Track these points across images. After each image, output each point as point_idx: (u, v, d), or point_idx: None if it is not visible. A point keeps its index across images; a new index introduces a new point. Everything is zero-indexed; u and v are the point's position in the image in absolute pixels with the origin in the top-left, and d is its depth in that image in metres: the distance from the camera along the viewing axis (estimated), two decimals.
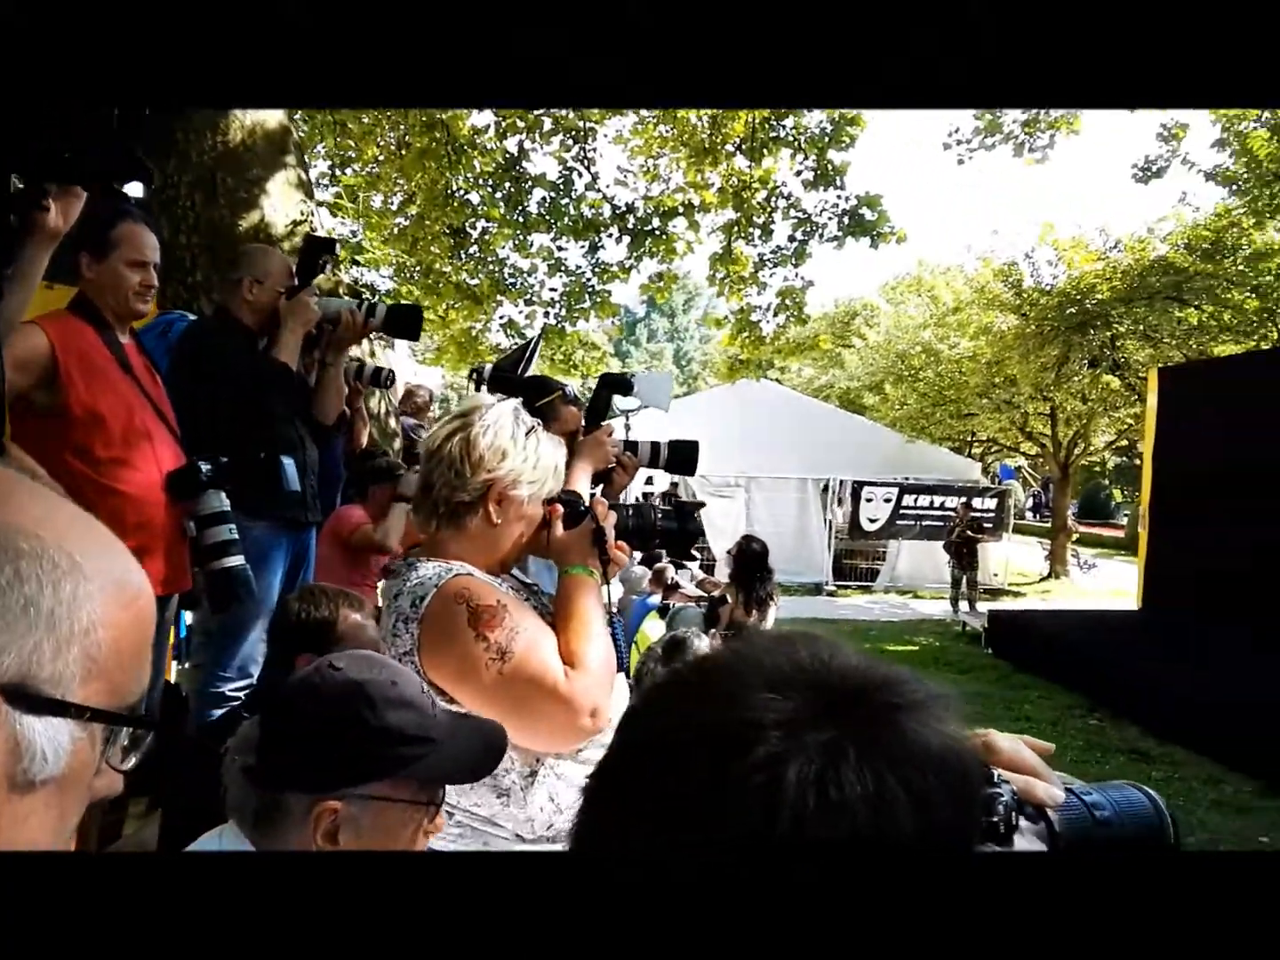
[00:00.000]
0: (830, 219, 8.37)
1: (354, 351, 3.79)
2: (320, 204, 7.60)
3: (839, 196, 8.23)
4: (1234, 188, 11.70)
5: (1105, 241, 15.12)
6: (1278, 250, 12.56)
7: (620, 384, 2.61)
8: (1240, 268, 13.00)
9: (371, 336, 4.28)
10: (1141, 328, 14.67)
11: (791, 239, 8.67)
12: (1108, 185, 73.21)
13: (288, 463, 2.96)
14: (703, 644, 3.69)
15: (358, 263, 9.56)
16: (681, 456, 2.60)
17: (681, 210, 8.78)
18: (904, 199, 33.47)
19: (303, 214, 4.91)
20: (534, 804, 1.61)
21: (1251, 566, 8.67)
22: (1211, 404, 9.82)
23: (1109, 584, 17.29)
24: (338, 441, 3.61)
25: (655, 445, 2.60)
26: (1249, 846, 4.95)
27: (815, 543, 15.56)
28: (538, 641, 1.57)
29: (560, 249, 9.32)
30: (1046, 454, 19.29)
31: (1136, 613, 11.00)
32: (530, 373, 2.94)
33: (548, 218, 8.96)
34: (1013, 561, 17.61)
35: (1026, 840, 0.63)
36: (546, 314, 9.67)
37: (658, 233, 8.84)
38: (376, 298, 7.17)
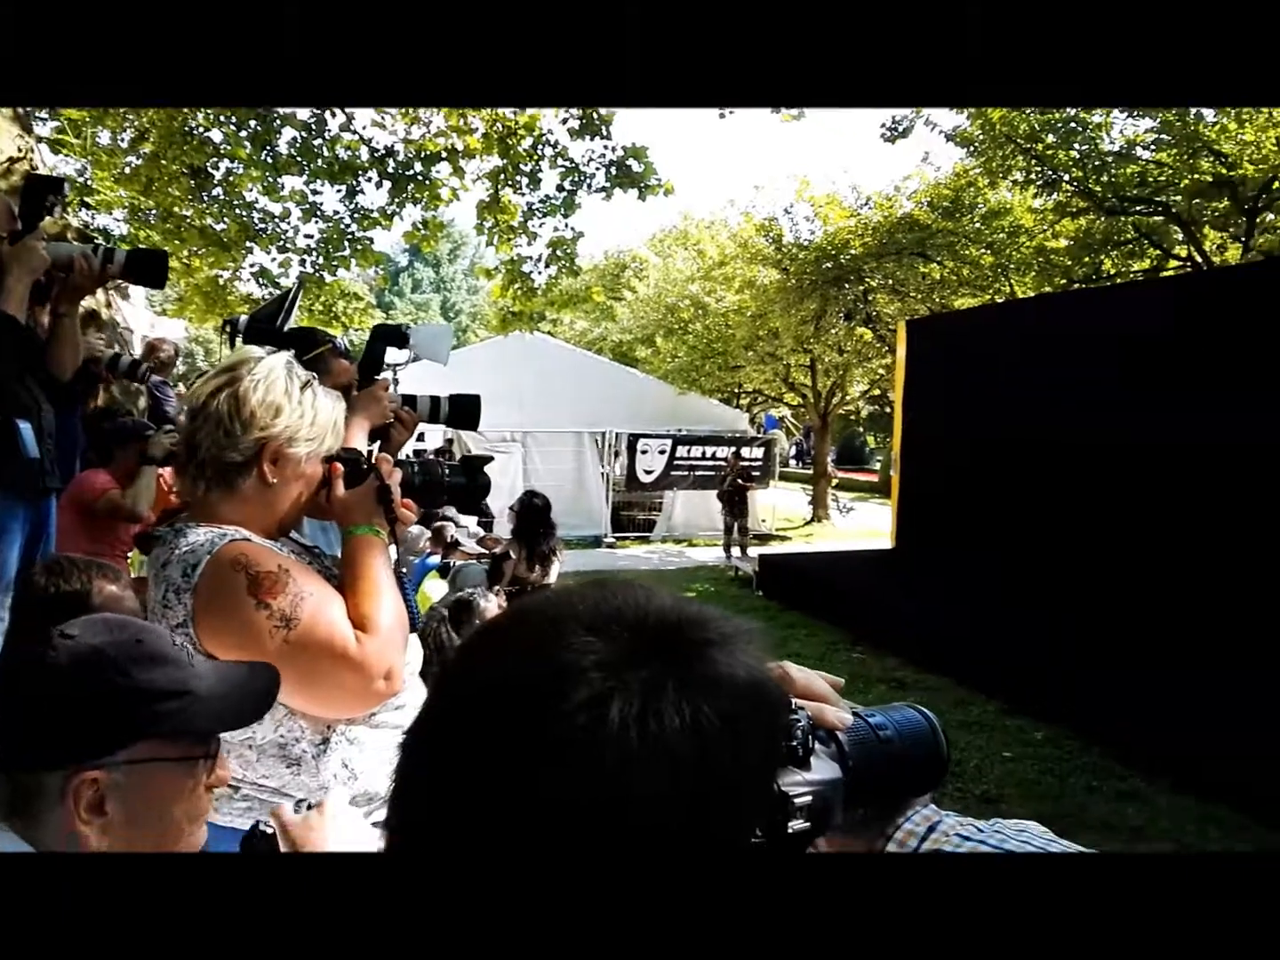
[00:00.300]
0: (598, 169, 8.40)
1: (88, 302, 3.46)
2: (40, 140, 6.82)
3: (606, 146, 8.28)
4: (970, 149, 12.64)
5: (857, 199, 16.07)
6: (1009, 209, 13.82)
7: (395, 336, 2.52)
8: (977, 225, 14.20)
9: (108, 285, 3.91)
10: (891, 282, 15.77)
11: (560, 188, 8.63)
12: (860, 143, 77.57)
13: (24, 427, 2.68)
14: (489, 603, 3.69)
15: (87, 205, 8.67)
16: (463, 411, 2.55)
17: (445, 155, 8.53)
18: (670, 151, 34.06)
19: (21, 150, 4.39)
20: (326, 772, 1.57)
21: (993, 503, 9.58)
22: (953, 353, 10.71)
23: (866, 525, 18.58)
24: (76, 401, 3.30)
25: (435, 400, 2.53)
26: (992, 761, 5.55)
27: (594, 496, 15.78)
28: (324, 606, 1.52)
29: (315, 193, 8.85)
30: (807, 404, 20.39)
31: (891, 551, 11.90)
32: (290, 325, 2.79)
33: (299, 159, 8.46)
34: (779, 508, 18.61)
35: (822, 761, 0.68)
36: (303, 262, 9.17)
37: (420, 178, 8.56)
38: (111, 243, 6.53)
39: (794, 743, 0.65)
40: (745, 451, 15.94)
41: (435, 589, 5.17)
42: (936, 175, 15.06)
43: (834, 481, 21.72)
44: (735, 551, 14.11)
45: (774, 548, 15.71)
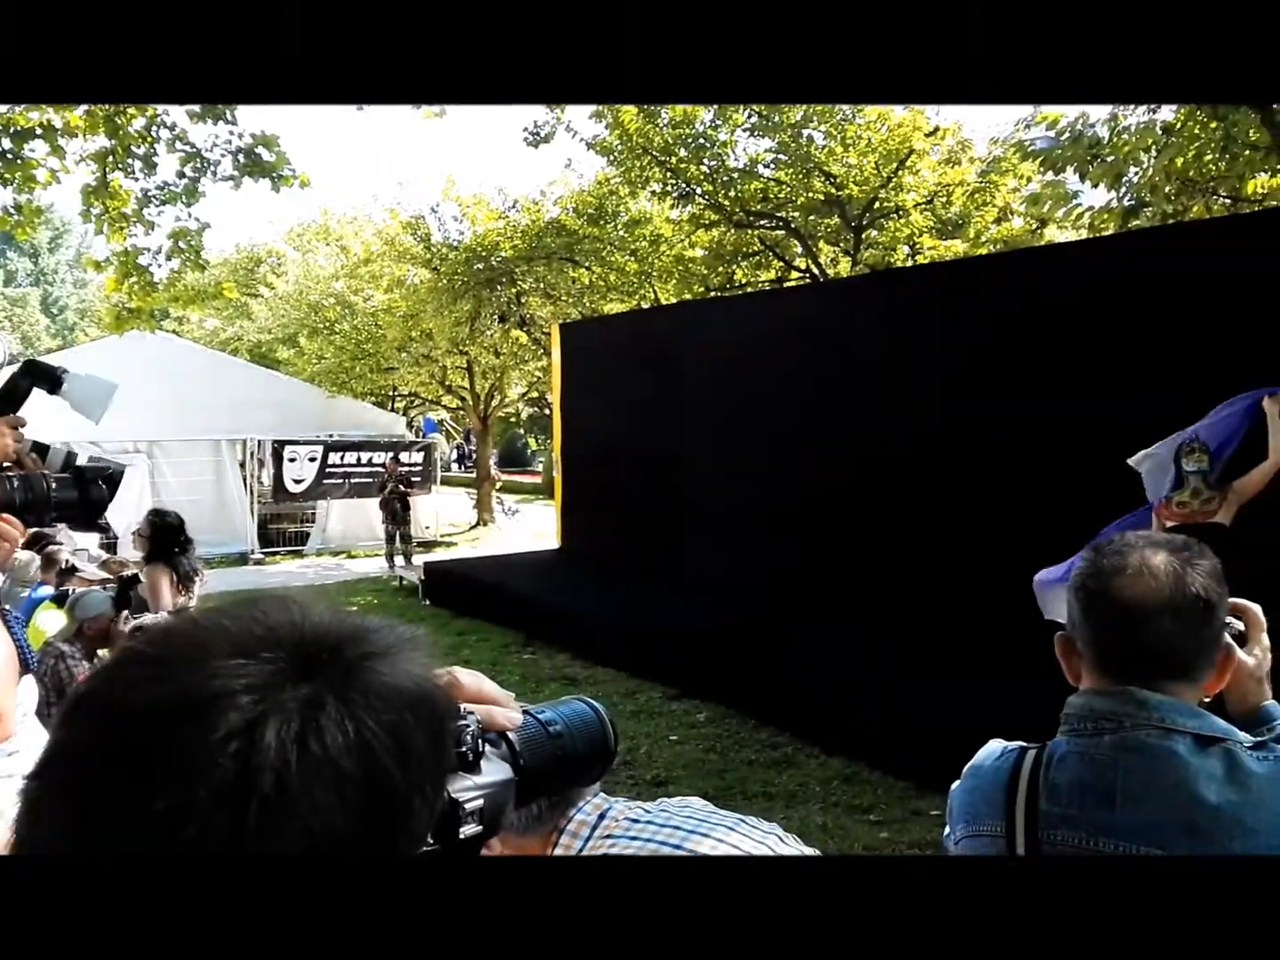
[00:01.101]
0: (224, 155, 7.89)
1: None
2: None
3: (231, 132, 7.79)
4: (610, 158, 13.26)
5: (504, 201, 16.34)
6: (649, 218, 14.68)
7: (49, 377, 2.18)
8: (620, 233, 14.93)
9: None
10: (542, 286, 16.17)
11: (181, 175, 8.01)
12: (503, 145, 78.73)
13: None
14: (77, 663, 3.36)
15: None
16: (108, 481, 2.26)
17: (40, 132, 7.60)
18: (306, 143, 32.63)
19: None
20: None
21: (647, 498, 10.13)
22: (605, 356, 11.21)
23: (532, 527, 18.91)
24: None
25: (71, 455, 2.23)
26: (661, 745, 5.89)
27: (236, 509, 14.77)
28: None
29: None
30: (467, 407, 20.40)
31: (556, 551, 12.23)
32: None
33: None
34: (443, 513, 18.47)
35: (492, 763, 0.70)
36: None
37: (11, 156, 7.57)
38: None
39: (464, 748, 0.66)
40: (404, 456, 15.65)
41: (50, 621, 4.60)
42: (580, 182, 15.67)
43: (498, 484, 21.90)
44: (399, 560, 13.81)
45: (439, 554, 15.57)
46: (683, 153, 12.26)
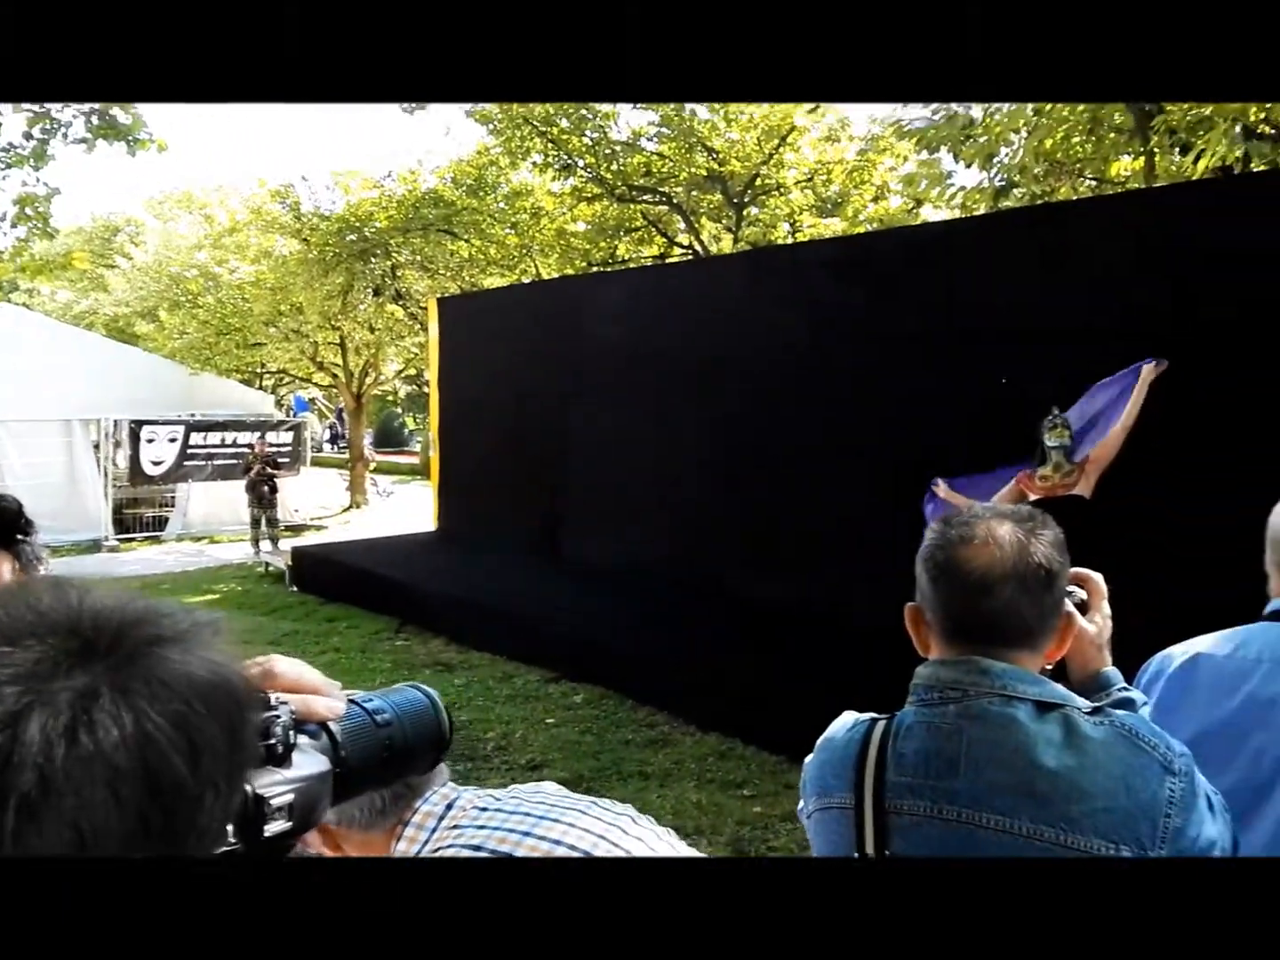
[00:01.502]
0: (75, 117, 7.47)
1: None
2: None
3: None
4: (490, 127, 13.06)
5: (380, 170, 15.94)
6: (530, 190, 14.51)
7: None
8: (501, 205, 14.74)
9: None
10: (419, 258, 15.83)
11: (28, 136, 7.55)
12: (378, 113, 76.83)
13: None
14: None
15: None
16: None
17: None
18: (167, 107, 31.18)
19: None
20: None
21: (526, 478, 10.07)
22: (485, 332, 11.05)
23: (408, 509, 18.61)
24: None
25: None
26: (539, 728, 5.87)
27: (89, 493, 14.07)
28: None
29: None
30: (339, 384, 19.88)
31: (433, 534, 12.05)
32: None
33: None
34: (314, 495, 18.02)
35: (307, 756, 0.67)
36: None
37: None
38: None
39: (272, 740, 0.63)
40: (271, 436, 15.19)
41: None
42: (459, 151, 15.40)
43: (371, 465, 21.44)
44: (265, 546, 13.37)
45: (310, 538, 15.17)
46: (564, 124, 12.16)
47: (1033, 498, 4.61)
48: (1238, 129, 6.72)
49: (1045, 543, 1.27)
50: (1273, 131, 7.44)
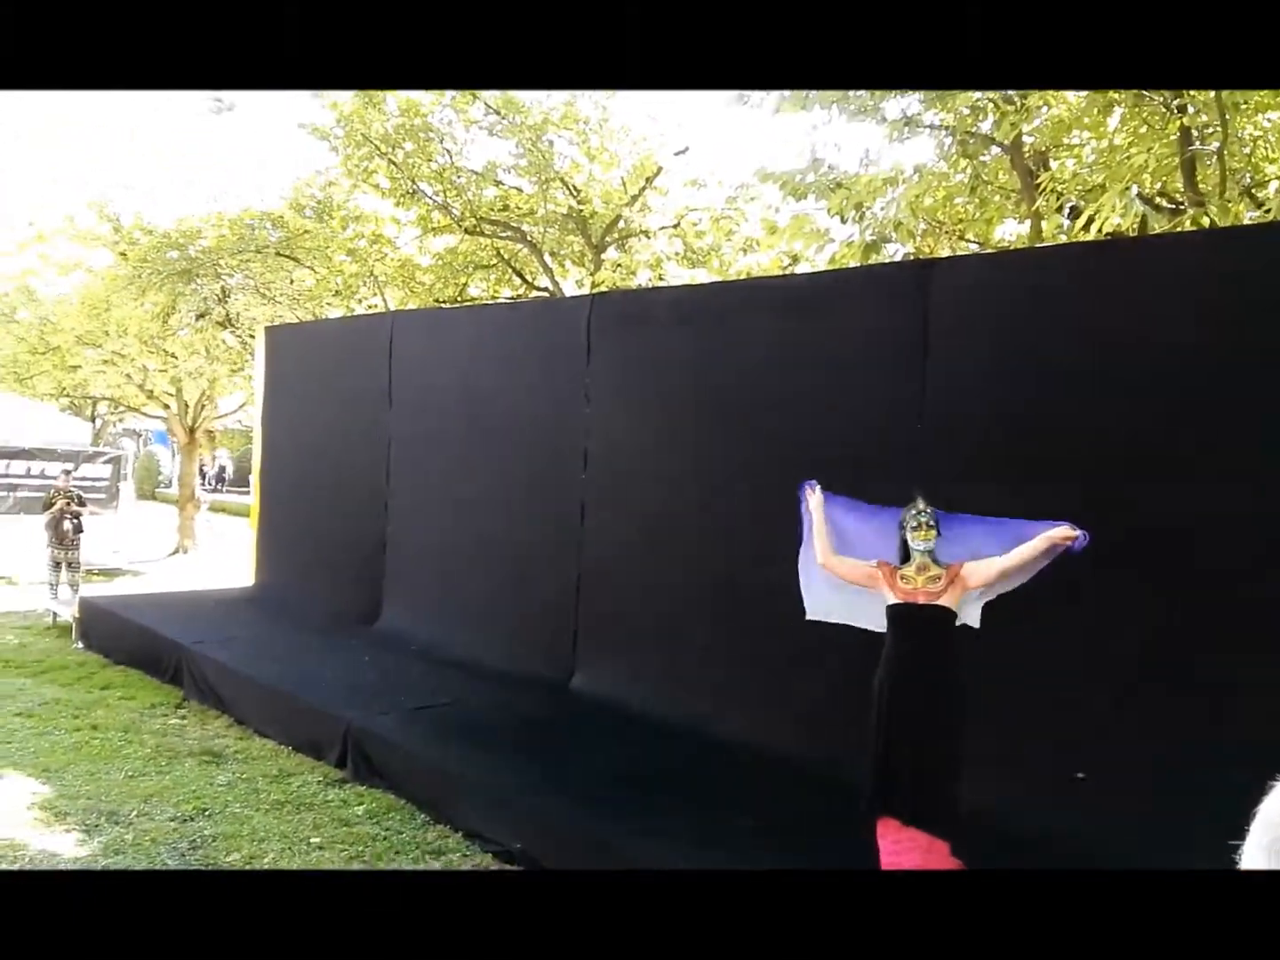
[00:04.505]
0: None
1: None
2: None
3: None
4: (329, 144, 12.06)
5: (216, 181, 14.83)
6: (372, 216, 13.55)
7: None
8: (342, 231, 13.75)
9: None
10: (254, 283, 14.63)
11: None
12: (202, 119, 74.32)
13: None
14: None
15: None
16: None
17: None
18: None
19: None
20: None
21: (362, 537, 9.19)
22: (315, 365, 10.12)
23: (244, 557, 17.23)
24: None
25: None
26: (297, 850, 4.95)
27: None
28: None
29: None
30: (171, 416, 18.34)
31: (248, 590, 10.95)
32: None
33: None
34: (140, 537, 16.60)
35: None
36: None
37: None
38: None
39: None
40: (88, 469, 13.91)
41: None
42: (300, 172, 14.41)
43: (201, 506, 19.79)
44: (63, 593, 11.95)
45: (119, 585, 13.79)
46: (409, 146, 11.32)
47: (890, 600, 3.97)
48: (1133, 193, 6.38)
49: None
50: (1170, 206, 7.14)
